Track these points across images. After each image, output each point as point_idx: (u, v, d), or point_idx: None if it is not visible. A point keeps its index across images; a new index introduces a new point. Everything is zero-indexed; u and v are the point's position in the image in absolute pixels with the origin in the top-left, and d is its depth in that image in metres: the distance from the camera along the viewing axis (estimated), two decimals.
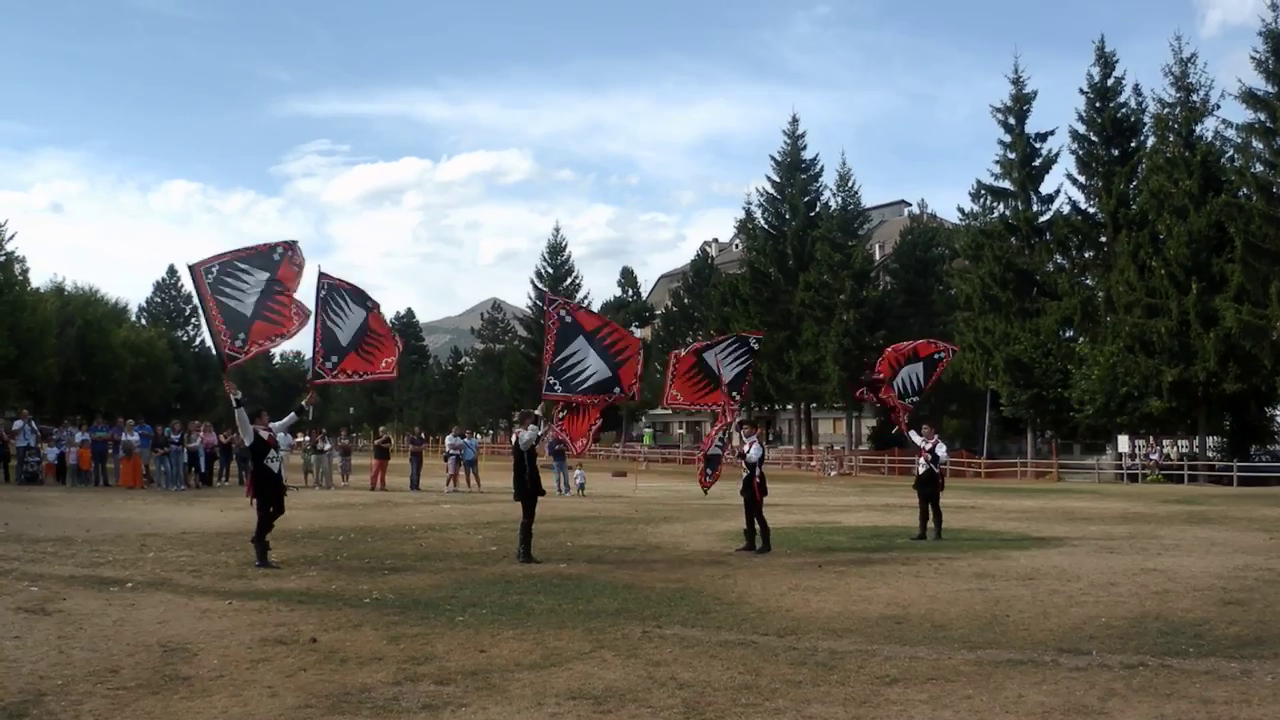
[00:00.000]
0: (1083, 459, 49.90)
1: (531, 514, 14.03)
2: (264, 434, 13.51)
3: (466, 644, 8.37)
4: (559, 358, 14.76)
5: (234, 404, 13.36)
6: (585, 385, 14.86)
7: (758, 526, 15.18)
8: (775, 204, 63.48)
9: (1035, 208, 50.49)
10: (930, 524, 17.00)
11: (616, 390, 15.17)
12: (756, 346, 17.49)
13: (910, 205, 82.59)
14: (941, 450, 17.47)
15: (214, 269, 13.32)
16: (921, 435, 17.42)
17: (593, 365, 14.85)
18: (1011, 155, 50.47)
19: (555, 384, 14.76)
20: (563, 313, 15.21)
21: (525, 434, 14.13)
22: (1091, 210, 48.35)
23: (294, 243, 13.92)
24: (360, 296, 14.28)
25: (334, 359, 14.02)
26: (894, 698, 6.78)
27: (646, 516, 20.66)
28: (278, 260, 13.61)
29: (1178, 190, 41.50)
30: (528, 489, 13.96)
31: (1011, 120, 50.68)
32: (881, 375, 17.62)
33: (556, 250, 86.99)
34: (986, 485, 39.57)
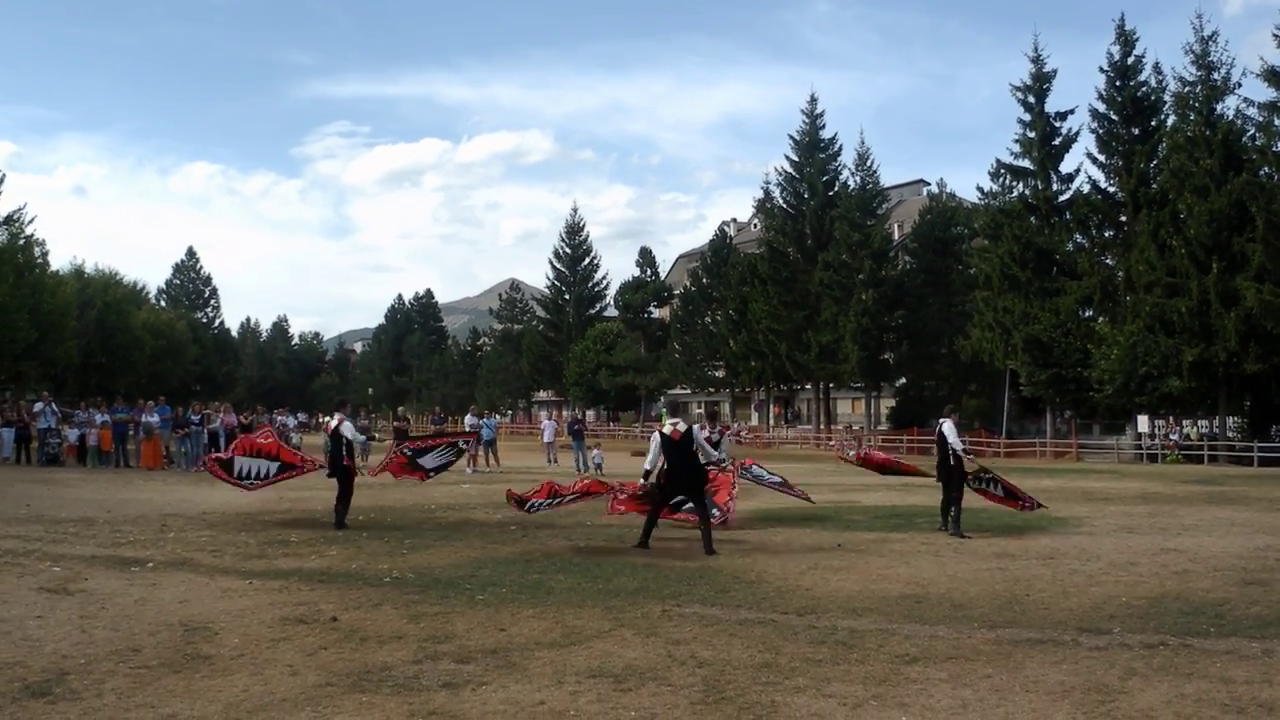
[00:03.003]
0: (1102, 439, 49.76)
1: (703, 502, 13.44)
2: (346, 431, 15.52)
3: (486, 622, 8.39)
4: None
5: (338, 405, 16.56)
6: None
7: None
8: (794, 184, 63.33)
9: (1055, 187, 50.17)
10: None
11: None
12: None
13: (929, 184, 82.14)
14: (947, 431, 15.64)
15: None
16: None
17: None
18: (1031, 134, 50.15)
19: None
20: None
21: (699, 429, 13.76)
22: (1111, 189, 48.01)
23: None
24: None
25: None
26: (914, 676, 6.78)
27: None
28: None
29: (1198, 169, 41.18)
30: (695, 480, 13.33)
31: (1031, 99, 50.34)
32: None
33: (575, 230, 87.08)
34: (1005, 465, 39.40)
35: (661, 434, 13.31)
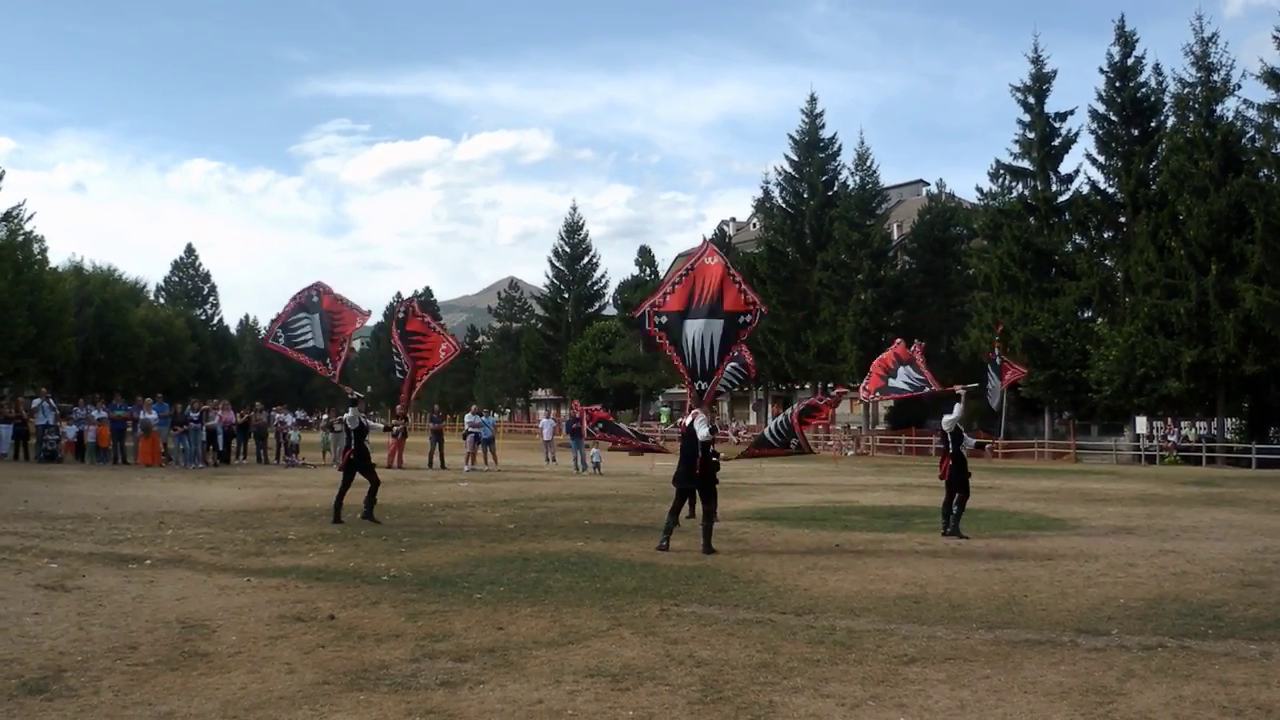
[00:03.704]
0: (1100, 440, 49.75)
1: (714, 501, 13.17)
2: (365, 421, 16.08)
3: (484, 621, 8.39)
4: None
5: (351, 401, 16.10)
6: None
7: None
8: (793, 183, 63.25)
9: (1054, 187, 50.21)
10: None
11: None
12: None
13: (928, 185, 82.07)
14: (946, 421, 15.07)
15: (279, 335, 16.67)
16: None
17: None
18: (1031, 135, 50.18)
19: None
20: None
21: (703, 429, 13.04)
22: (1111, 190, 48.05)
23: (319, 282, 16.99)
24: (304, 301, 16.70)
25: (327, 361, 16.58)
26: (912, 677, 6.78)
27: (663, 495, 20.63)
28: (316, 299, 16.54)
29: (1198, 170, 41.19)
30: (706, 476, 13.02)
31: (1031, 100, 50.37)
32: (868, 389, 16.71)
33: (574, 229, 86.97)
34: (1004, 466, 39.48)
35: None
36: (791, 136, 62.94)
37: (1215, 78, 42.73)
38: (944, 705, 6.19)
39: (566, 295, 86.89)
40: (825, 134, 62.37)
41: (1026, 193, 50.78)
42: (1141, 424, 48.40)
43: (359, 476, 15.66)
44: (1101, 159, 48.15)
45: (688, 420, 13.23)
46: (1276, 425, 45.09)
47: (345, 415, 16.65)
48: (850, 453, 50.85)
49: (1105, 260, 48.88)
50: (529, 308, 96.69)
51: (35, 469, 25.45)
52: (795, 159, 62.81)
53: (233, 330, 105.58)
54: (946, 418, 15.04)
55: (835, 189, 61.77)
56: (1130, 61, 47.34)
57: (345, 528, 14.81)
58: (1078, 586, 10.36)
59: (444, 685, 6.49)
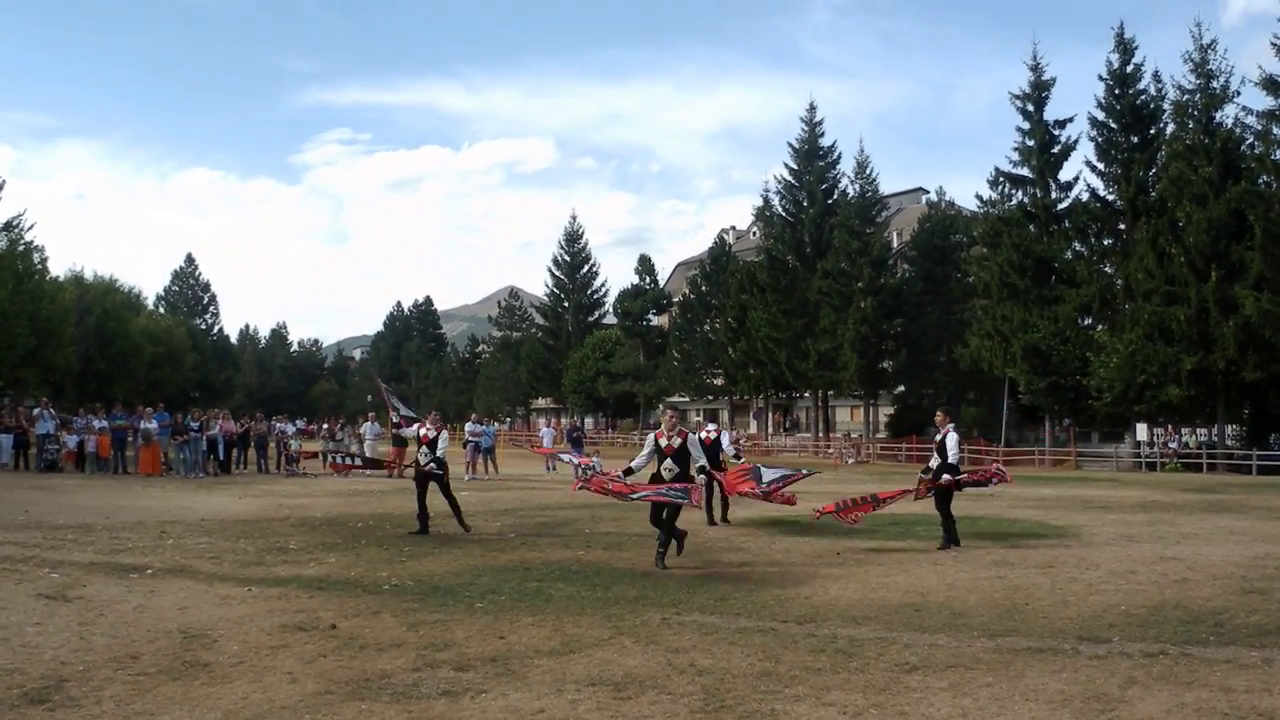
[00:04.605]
0: (1101, 447, 49.73)
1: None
2: (423, 432, 16.13)
3: (486, 630, 8.38)
4: None
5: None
6: None
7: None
8: (793, 191, 63.30)
9: (1054, 195, 50.20)
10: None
11: None
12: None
13: (928, 193, 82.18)
14: (951, 441, 14.99)
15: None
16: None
17: None
18: (1030, 142, 50.17)
19: None
20: None
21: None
22: (1110, 197, 48.04)
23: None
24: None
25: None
26: (914, 685, 6.78)
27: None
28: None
29: (1197, 177, 41.23)
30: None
31: (1030, 107, 50.36)
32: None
33: (573, 238, 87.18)
34: None
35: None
36: (791, 145, 63.07)
37: (1214, 84, 42.78)
38: (946, 713, 6.19)
39: (566, 304, 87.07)
40: (825, 142, 62.57)
41: (1026, 200, 50.78)
42: (1142, 431, 48.34)
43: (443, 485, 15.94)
44: (1101, 166, 48.15)
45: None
46: (1277, 432, 45.05)
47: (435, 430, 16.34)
48: (851, 460, 50.82)
49: (1105, 267, 48.85)
50: (529, 317, 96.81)
51: (36, 479, 25.45)
52: (795, 167, 62.89)
53: (233, 340, 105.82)
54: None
55: (835, 197, 61.87)
56: (1130, 69, 47.33)
57: (348, 538, 14.81)
58: (1079, 594, 10.35)
59: (445, 694, 6.49)
